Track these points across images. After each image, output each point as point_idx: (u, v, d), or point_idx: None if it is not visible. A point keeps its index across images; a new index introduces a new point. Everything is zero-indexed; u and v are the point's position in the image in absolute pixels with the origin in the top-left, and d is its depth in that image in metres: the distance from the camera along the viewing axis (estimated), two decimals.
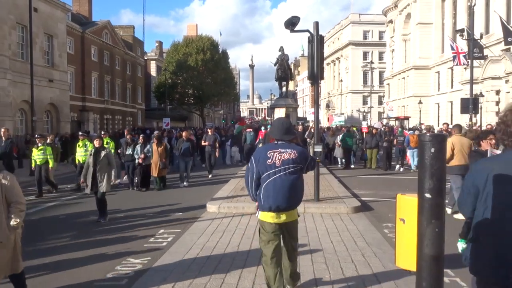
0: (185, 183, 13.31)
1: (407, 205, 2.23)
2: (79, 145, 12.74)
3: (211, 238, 6.93)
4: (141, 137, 13.01)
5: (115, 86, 47.97)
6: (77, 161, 12.94)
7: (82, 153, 12.41)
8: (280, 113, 16.59)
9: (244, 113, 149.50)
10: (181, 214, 9.22)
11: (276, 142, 4.40)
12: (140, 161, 12.45)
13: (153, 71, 64.61)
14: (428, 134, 2.02)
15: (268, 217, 4.29)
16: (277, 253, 4.27)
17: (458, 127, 9.79)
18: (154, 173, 12.42)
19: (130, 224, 8.37)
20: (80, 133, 14.08)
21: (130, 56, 51.49)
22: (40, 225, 8.49)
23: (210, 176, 15.54)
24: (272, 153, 4.27)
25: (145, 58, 61.73)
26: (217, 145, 16.18)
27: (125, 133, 14.72)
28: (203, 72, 51.32)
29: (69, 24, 35.99)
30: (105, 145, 9.59)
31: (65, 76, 32.92)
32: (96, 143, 8.82)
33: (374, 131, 18.64)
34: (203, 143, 16.35)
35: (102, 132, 17.02)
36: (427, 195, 1.99)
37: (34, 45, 25.82)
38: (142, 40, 59.07)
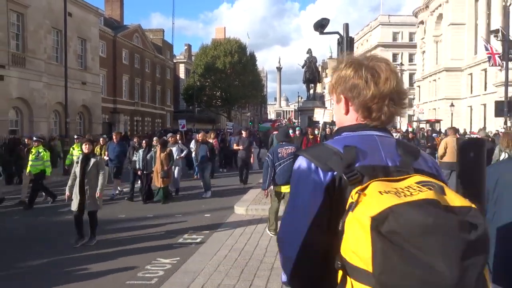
0: (208, 193, 11.76)
1: None
2: (31, 153, 10.60)
3: (239, 240, 6.96)
4: (143, 142, 11.56)
5: (145, 89, 48.87)
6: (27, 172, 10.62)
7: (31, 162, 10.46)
8: (319, 114, 16.36)
9: (271, 115, 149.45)
10: (210, 215, 9.30)
11: (281, 142, 7.45)
12: (138, 172, 11.05)
13: (181, 74, 65.51)
14: (466, 139, 1.96)
15: (277, 188, 7.19)
16: (276, 207, 7.25)
17: (454, 129, 11.87)
18: (157, 182, 10.76)
19: (158, 224, 8.49)
20: (34, 138, 11.64)
21: (159, 59, 52.36)
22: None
23: (243, 186, 13.47)
24: (281, 149, 7.23)
25: (174, 61, 62.66)
26: (252, 150, 15.13)
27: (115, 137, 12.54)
28: (231, 75, 51.65)
29: (102, 28, 36.94)
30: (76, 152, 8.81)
31: (97, 78, 33.80)
32: (85, 148, 7.15)
33: (410, 135, 17.50)
34: (235, 147, 14.71)
35: (84, 135, 15.97)
36: None
37: (68, 48, 26.62)
38: (171, 43, 60.01)
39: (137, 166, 11.08)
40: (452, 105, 45.61)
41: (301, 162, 1.27)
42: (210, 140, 15.46)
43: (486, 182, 2.43)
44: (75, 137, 13.42)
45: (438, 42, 54.20)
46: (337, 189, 1.20)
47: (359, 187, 1.11)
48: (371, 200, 1.06)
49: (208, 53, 52.09)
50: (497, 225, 2.39)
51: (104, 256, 6.38)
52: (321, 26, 9.28)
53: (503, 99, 23.52)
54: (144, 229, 8.08)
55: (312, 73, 26.42)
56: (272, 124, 31.43)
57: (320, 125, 16.79)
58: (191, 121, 52.79)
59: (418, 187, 1.09)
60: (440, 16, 53.08)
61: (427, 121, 47.68)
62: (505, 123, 23.21)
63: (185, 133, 23.18)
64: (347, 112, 1.38)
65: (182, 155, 12.74)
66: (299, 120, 30.62)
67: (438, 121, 45.66)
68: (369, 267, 1.01)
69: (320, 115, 16.41)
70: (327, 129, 16.68)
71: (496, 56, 29.77)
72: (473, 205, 1.08)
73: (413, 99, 66.52)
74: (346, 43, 9.21)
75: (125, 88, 44.12)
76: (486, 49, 31.28)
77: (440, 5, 52.25)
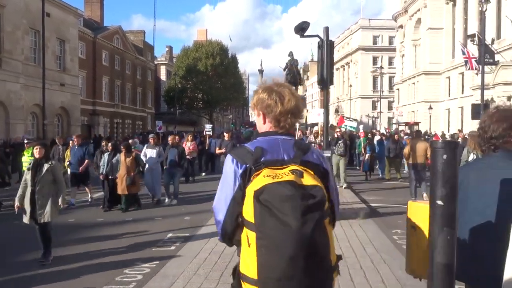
0: (172, 200, 11.04)
1: (419, 212, 2.20)
2: (23, 155, 10.93)
3: (219, 243, 6.90)
4: (109, 145, 10.78)
5: (126, 90, 48.37)
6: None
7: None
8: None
9: (253, 117, 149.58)
10: (189, 218, 9.23)
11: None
12: (101, 177, 10.50)
13: (163, 76, 65.09)
14: (440, 141, 1.99)
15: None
16: None
17: (418, 133, 13.48)
18: (119, 189, 9.83)
19: (137, 228, 8.39)
20: (26, 140, 11.88)
21: (140, 60, 51.92)
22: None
23: None
24: None
25: (155, 62, 62.23)
26: None
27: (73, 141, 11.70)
28: (213, 77, 51.57)
29: (81, 29, 36.43)
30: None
31: (76, 80, 33.30)
32: (37, 152, 6.33)
33: (396, 137, 17.03)
34: (217, 151, 14.49)
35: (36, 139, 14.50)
36: (439, 202, 1.96)
37: (46, 49, 26.15)
38: (153, 45, 59.59)
39: (101, 171, 10.46)
40: (430, 107, 46.51)
41: (228, 158, 1.96)
42: (188, 143, 15.33)
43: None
44: (25, 141, 11.83)
45: (417, 46, 55.18)
46: (248, 176, 1.84)
47: (255, 173, 1.79)
48: (257, 180, 1.74)
49: (190, 55, 51.91)
50: (463, 225, 2.43)
51: (81, 260, 6.26)
52: (301, 29, 9.35)
53: (479, 102, 24.06)
54: (122, 233, 7.97)
55: (293, 76, 26.49)
56: (254, 128, 31.82)
57: (297, 127, 16.60)
58: (172, 123, 52.57)
59: (288, 173, 1.75)
60: (418, 21, 54.07)
61: (406, 124, 48.49)
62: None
63: (163, 135, 22.61)
64: (264, 122, 2.06)
65: (158, 160, 11.22)
66: None
67: (417, 123, 46.46)
68: (253, 220, 1.69)
69: (313, 116, 16.31)
70: (299, 132, 15.73)
71: (473, 60, 30.49)
72: (319, 184, 1.77)
73: (393, 101, 67.54)
74: (326, 46, 9.29)
75: (105, 90, 43.57)
76: (463, 53, 32.01)
77: (418, 10, 53.23)
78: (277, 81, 2.10)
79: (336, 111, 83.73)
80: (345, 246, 6.71)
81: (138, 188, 10.24)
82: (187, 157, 14.43)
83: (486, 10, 25.12)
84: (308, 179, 1.76)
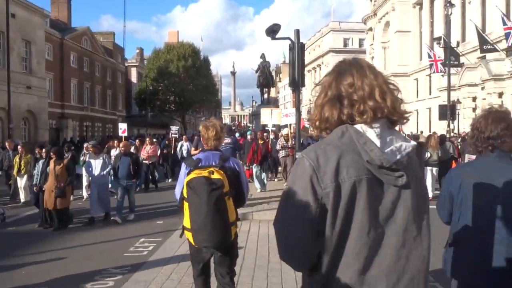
0: (131, 215, 9.48)
1: None
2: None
3: None
4: (42, 151, 9.82)
5: (95, 93, 47.40)
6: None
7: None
8: (266, 116, 15.37)
9: (226, 119, 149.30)
10: (162, 222, 9.11)
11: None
12: (35, 189, 9.30)
13: (134, 78, 64.11)
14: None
15: None
16: None
17: None
18: (48, 203, 8.40)
19: (108, 233, 8.22)
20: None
21: (110, 62, 51.00)
22: (17, 235, 8.28)
23: None
24: None
25: (126, 64, 61.22)
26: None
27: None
28: (185, 79, 51.16)
29: (48, 30, 35.48)
30: None
31: (43, 82, 32.40)
32: None
33: None
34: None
35: None
36: None
37: (11, 51, 25.33)
38: (123, 46, 58.55)
39: (34, 181, 9.18)
40: None
41: (183, 164, 3.72)
42: (147, 147, 14.42)
43: (450, 185, 2.56)
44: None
45: (386, 49, 56.41)
46: (189, 173, 3.35)
47: (192, 171, 3.32)
48: (190, 175, 3.25)
49: (161, 57, 51.35)
50: (462, 226, 2.47)
51: (50, 268, 6.09)
52: (272, 31, 9.41)
53: (446, 103, 24.79)
54: (93, 238, 7.79)
55: (265, 77, 26.67)
56: (239, 125, 32.10)
57: (270, 129, 15.50)
58: (143, 126, 51.81)
59: (206, 172, 3.23)
60: (387, 24, 55.29)
61: None
62: (448, 125, 24.47)
63: (128, 139, 20.36)
64: (206, 145, 3.75)
65: (105, 172, 9.52)
66: (254, 125, 30.80)
67: None
68: (186, 196, 3.24)
69: (267, 117, 15.20)
70: (272, 134, 15.40)
71: (439, 62, 31.38)
72: (221, 177, 3.22)
73: None
74: (297, 48, 9.37)
75: (74, 93, 42.57)
76: (429, 56, 32.91)
77: (387, 13, 54.43)
78: (209, 121, 3.88)
79: (308, 112, 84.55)
80: None
81: (69, 201, 8.86)
82: (145, 161, 13.87)
83: (451, 13, 25.94)
84: (216, 175, 3.24)
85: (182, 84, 50.77)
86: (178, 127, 19.67)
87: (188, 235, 3.36)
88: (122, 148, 9.77)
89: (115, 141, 14.61)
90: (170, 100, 53.36)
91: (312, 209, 1.35)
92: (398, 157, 1.40)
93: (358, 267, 1.35)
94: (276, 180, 15.22)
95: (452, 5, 25.30)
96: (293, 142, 15.91)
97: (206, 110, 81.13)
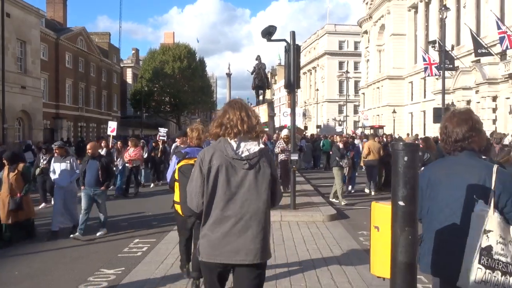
0: (103, 230, 8.08)
1: (381, 213, 2.26)
2: None
3: None
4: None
5: (90, 94, 47.25)
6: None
7: None
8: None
9: None
10: (157, 223, 9.09)
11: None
12: None
13: (129, 79, 63.97)
14: (401, 143, 2.05)
15: None
16: None
17: (373, 135, 14.84)
18: (2, 216, 7.30)
19: (103, 235, 8.19)
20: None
21: (105, 63, 50.86)
22: None
23: None
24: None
25: (121, 65, 61.09)
26: None
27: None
28: (180, 80, 51.11)
29: (43, 30, 35.34)
30: None
31: (38, 82, 32.25)
32: None
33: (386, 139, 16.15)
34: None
35: None
36: (401, 203, 2.02)
37: (6, 50, 25.19)
38: (118, 47, 58.41)
39: None
40: (394, 111, 47.80)
41: (174, 156, 5.21)
42: (130, 149, 13.40)
43: (420, 180, 2.59)
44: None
45: (381, 51, 56.67)
46: (178, 162, 4.70)
47: (181, 161, 4.66)
48: (179, 163, 4.63)
49: (157, 58, 51.29)
50: (430, 220, 2.56)
51: (44, 268, 6.06)
52: (268, 33, 9.41)
53: (440, 106, 24.91)
54: (86, 239, 7.74)
55: (261, 79, 26.67)
56: None
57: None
58: (138, 127, 51.67)
59: (192, 161, 4.30)
60: (382, 27, 55.54)
61: (371, 127, 49.58)
62: None
63: (125, 140, 19.67)
64: (191, 142, 5.16)
65: (72, 178, 8.30)
66: None
67: (382, 127, 47.60)
68: (177, 178, 4.61)
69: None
70: (274, 135, 15.14)
71: (433, 66, 31.54)
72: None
73: (358, 105, 68.98)
74: (293, 50, 9.39)
75: (69, 93, 42.40)
76: (424, 59, 33.08)
77: (382, 16, 54.69)
78: (194, 125, 5.18)
79: (304, 114, 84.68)
80: (312, 248, 6.78)
81: (31, 212, 7.82)
82: (127, 165, 13.15)
83: (446, 17, 26.08)
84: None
85: (177, 85, 50.72)
86: (166, 129, 18.10)
87: (177, 207, 4.72)
88: (89, 150, 8.10)
89: (103, 141, 14.23)
90: (165, 101, 53.29)
91: (200, 179, 2.71)
92: (246, 154, 2.70)
93: (220, 209, 2.67)
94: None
95: (447, 9, 25.46)
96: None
97: (201, 112, 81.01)
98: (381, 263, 2.22)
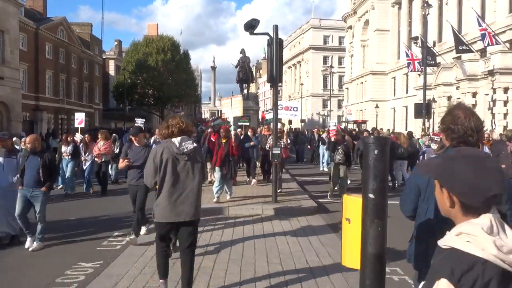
0: (33, 243, 6.60)
1: (353, 205, 2.29)
2: None
3: None
4: None
5: (71, 85, 46.48)
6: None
7: None
8: (227, 108, 13.33)
9: (206, 114, 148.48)
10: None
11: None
12: None
13: (111, 71, 63.07)
14: (371, 137, 2.08)
15: None
16: None
17: (348, 131, 15.32)
18: None
19: (81, 227, 8.10)
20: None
21: (87, 54, 50.04)
22: None
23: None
24: None
25: (104, 57, 60.19)
26: None
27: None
28: (164, 73, 50.62)
29: (22, 19, 34.54)
30: None
31: (17, 73, 31.57)
32: None
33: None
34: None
35: None
36: (371, 196, 2.05)
37: None
38: (101, 38, 57.56)
39: None
40: (377, 106, 48.27)
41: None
42: (100, 143, 12.11)
43: (418, 179, 2.59)
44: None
45: (365, 47, 57.05)
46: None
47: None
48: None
49: (140, 50, 50.66)
50: (429, 220, 2.52)
51: (19, 262, 5.97)
52: (251, 26, 9.37)
53: (422, 101, 25.25)
54: (65, 232, 7.65)
55: (245, 73, 26.54)
56: (205, 124, 31.90)
57: (231, 123, 13.13)
58: (121, 120, 51.06)
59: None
60: (367, 22, 55.88)
61: (355, 122, 50.03)
62: (424, 123, 24.96)
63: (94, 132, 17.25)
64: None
65: (15, 177, 6.95)
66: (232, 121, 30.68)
67: (365, 121, 48.05)
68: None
69: (227, 109, 13.02)
70: (250, 130, 13.53)
71: (416, 62, 31.93)
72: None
73: (342, 100, 69.45)
74: (276, 44, 9.38)
75: (49, 84, 41.62)
76: (407, 55, 33.44)
77: (367, 12, 55.01)
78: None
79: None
80: (292, 240, 6.83)
81: None
82: (96, 160, 11.96)
83: (428, 14, 26.40)
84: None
85: (161, 78, 50.24)
86: (143, 120, 16.61)
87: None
88: (28, 144, 6.85)
89: (69, 135, 12.86)
90: (148, 94, 52.74)
91: (153, 167, 4.13)
92: (186, 150, 4.12)
93: (168, 187, 4.11)
94: (253, 182, 12.73)
95: (429, 6, 25.75)
96: (288, 141, 14.24)
97: (185, 105, 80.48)
98: (351, 254, 2.26)
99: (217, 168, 9.85)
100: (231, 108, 12.55)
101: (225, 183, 9.90)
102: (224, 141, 10.04)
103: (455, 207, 1.38)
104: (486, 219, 1.28)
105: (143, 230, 7.20)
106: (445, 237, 1.35)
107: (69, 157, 11.76)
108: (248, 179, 13.14)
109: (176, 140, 4.13)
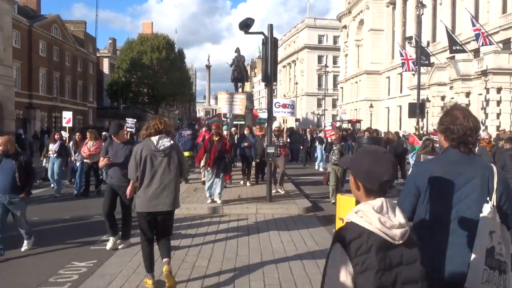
0: (28, 243, 6.46)
1: (346, 205, 2.29)
2: None
3: None
4: None
5: (65, 83, 46.20)
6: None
7: None
8: (224, 103, 12.58)
9: (201, 113, 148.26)
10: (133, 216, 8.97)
11: (184, 128, 12.51)
12: None
13: (106, 69, 62.74)
14: (365, 137, 2.08)
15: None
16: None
17: (336, 129, 14.16)
18: None
19: (75, 226, 8.06)
20: None
21: (81, 52, 49.76)
22: None
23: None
24: (184, 132, 13.02)
25: (98, 55, 59.84)
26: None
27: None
28: (158, 71, 50.48)
29: (15, 17, 34.29)
30: None
31: (10, 71, 31.35)
32: None
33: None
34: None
35: None
36: None
37: None
38: (95, 36, 57.19)
39: None
40: (371, 106, 48.41)
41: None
42: (89, 143, 11.25)
43: (417, 179, 2.55)
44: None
45: (360, 46, 57.17)
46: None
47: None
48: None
49: (134, 48, 50.48)
50: (430, 222, 2.49)
51: (11, 262, 5.93)
52: (246, 25, 9.35)
53: (416, 101, 25.32)
54: (58, 231, 7.62)
55: (240, 72, 26.49)
56: (198, 123, 32.45)
57: (228, 120, 12.36)
58: (115, 118, 50.81)
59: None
60: (361, 22, 56.00)
61: (349, 121, 50.13)
62: (417, 123, 25.04)
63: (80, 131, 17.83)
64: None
65: None
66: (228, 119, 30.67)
67: (359, 121, 48.16)
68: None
69: (224, 104, 11.79)
70: (246, 129, 12.89)
71: (410, 61, 32.04)
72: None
73: (337, 99, 69.56)
74: (270, 43, 9.37)
75: (43, 82, 41.35)
76: (401, 55, 33.55)
77: (361, 11, 55.12)
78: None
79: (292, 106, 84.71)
80: (286, 240, 6.84)
81: None
82: (86, 161, 11.32)
83: (422, 14, 26.48)
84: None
85: (155, 77, 50.09)
86: (135, 120, 15.53)
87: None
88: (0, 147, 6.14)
89: (57, 133, 12.69)
90: (143, 92, 52.58)
91: (134, 163, 4.67)
92: (162, 148, 4.62)
93: (147, 181, 4.64)
94: (248, 184, 12.33)
95: (423, 6, 25.84)
96: (287, 140, 13.58)
97: (180, 104, 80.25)
98: None
99: (208, 168, 9.41)
100: (231, 105, 11.64)
101: (216, 184, 9.34)
102: (216, 139, 9.43)
103: (360, 190, 1.76)
104: (379, 201, 1.68)
105: (110, 242, 6.48)
106: (349, 213, 1.73)
107: (55, 155, 11.46)
108: (244, 179, 12.55)
109: (154, 139, 4.65)
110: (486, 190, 2.41)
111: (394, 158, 1.83)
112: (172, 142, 4.75)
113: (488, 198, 2.39)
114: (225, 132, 11.43)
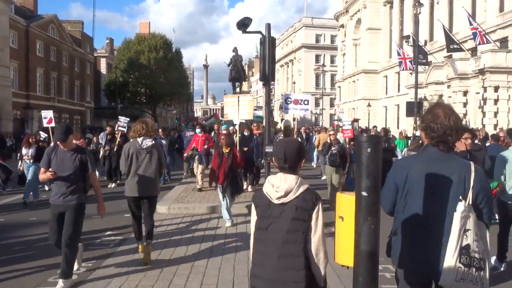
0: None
1: (346, 203, 2.30)
2: None
3: (160, 239, 6.80)
4: None
5: (62, 83, 46.12)
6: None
7: None
8: (231, 108, 10.54)
9: (198, 113, 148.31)
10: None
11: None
12: None
13: (103, 69, 62.69)
14: (364, 135, 2.09)
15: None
16: (187, 165, 14.30)
17: (324, 128, 16.33)
18: None
19: None
20: None
21: (78, 52, 49.68)
22: None
23: None
24: (187, 133, 15.18)
25: (95, 55, 59.78)
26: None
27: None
28: (156, 71, 50.42)
29: (12, 17, 34.20)
30: None
31: (7, 71, 31.28)
32: None
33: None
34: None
35: None
36: (364, 193, 2.06)
37: None
38: (92, 36, 57.11)
39: None
40: (369, 105, 48.46)
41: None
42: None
43: (396, 176, 2.60)
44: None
45: (357, 45, 57.20)
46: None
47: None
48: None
49: (132, 48, 50.40)
50: (407, 216, 2.54)
51: (12, 261, 5.92)
52: (244, 25, 9.37)
53: (413, 100, 25.39)
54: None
55: (237, 71, 26.52)
56: (194, 122, 32.87)
57: (236, 126, 11.00)
58: (113, 118, 50.74)
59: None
60: (359, 21, 56.03)
61: None
62: (415, 122, 25.09)
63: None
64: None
65: None
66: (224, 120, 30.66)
67: (357, 120, 48.17)
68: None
69: (232, 110, 10.29)
70: (246, 130, 11.55)
71: (407, 60, 32.09)
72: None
73: (335, 99, 69.63)
74: (268, 43, 9.39)
75: (40, 83, 41.29)
76: (398, 54, 33.60)
77: (359, 10, 55.16)
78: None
79: (281, 107, 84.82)
80: None
81: None
82: None
83: (419, 13, 26.52)
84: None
85: (153, 76, 50.03)
86: (128, 119, 14.03)
87: None
88: None
89: (31, 136, 11.70)
90: (140, 92, 52.51)
91: (124, 159, 5.81)
92: (145, 146, 5.76)
93: (133, 172, 5.76)
94: (250, 189, 11.17)
95: (420, 5, 25.88)
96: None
97: (178, 103, 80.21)
98: (344, 252, 2.27)
99: (219, 186, 7.82)
100: (238, 109, 10.09)
101: (227, 205, 7.81)
102: (226, 151, 7.81)
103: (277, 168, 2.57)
104: (278, 174, 2.51)
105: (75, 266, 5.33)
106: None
107: (31, 160, 10.37)
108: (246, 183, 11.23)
109: (139, 139, 5.77)
110: (462, 188, 2.44)
111: (296, 144, 2.62)
112: (153, 142, 5.86)
113: (461, 197, 2.41)
114: (224, 132, 10.74)
